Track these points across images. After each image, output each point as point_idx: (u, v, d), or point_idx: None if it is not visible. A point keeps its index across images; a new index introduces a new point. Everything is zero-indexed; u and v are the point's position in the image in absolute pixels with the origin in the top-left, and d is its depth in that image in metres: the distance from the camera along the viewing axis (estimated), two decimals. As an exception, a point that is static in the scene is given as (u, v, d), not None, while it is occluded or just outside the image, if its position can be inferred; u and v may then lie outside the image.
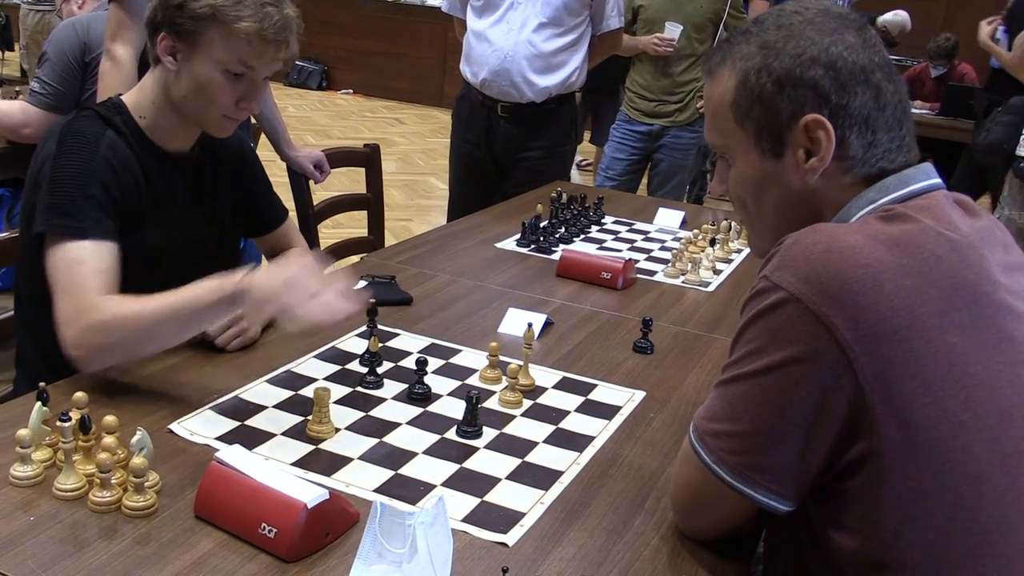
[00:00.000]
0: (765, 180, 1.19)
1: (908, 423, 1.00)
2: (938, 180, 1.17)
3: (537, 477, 1.35)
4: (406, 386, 1.58)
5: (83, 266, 1.50)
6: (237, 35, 1.58)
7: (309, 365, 1.64)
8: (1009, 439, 1.03)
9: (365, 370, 1.61)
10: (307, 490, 1.13)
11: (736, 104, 1.18)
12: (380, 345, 1.65)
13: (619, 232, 2.74)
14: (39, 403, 1.27)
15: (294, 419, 1.44)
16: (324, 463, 1.34)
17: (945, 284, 1.03)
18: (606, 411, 1.58)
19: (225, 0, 1.58)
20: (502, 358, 1.66)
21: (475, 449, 1.41)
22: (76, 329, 1.46)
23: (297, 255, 1.64)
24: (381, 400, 1.54)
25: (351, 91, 10.77)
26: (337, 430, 1.42)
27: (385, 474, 1.32)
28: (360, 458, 1.36)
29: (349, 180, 6.03)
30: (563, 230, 2.61)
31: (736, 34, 1.21)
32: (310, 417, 1.43)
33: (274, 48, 1.62)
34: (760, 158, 1.18)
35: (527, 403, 1.58)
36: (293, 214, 2.76)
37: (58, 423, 1.20)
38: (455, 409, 1.51)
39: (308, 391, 1.54)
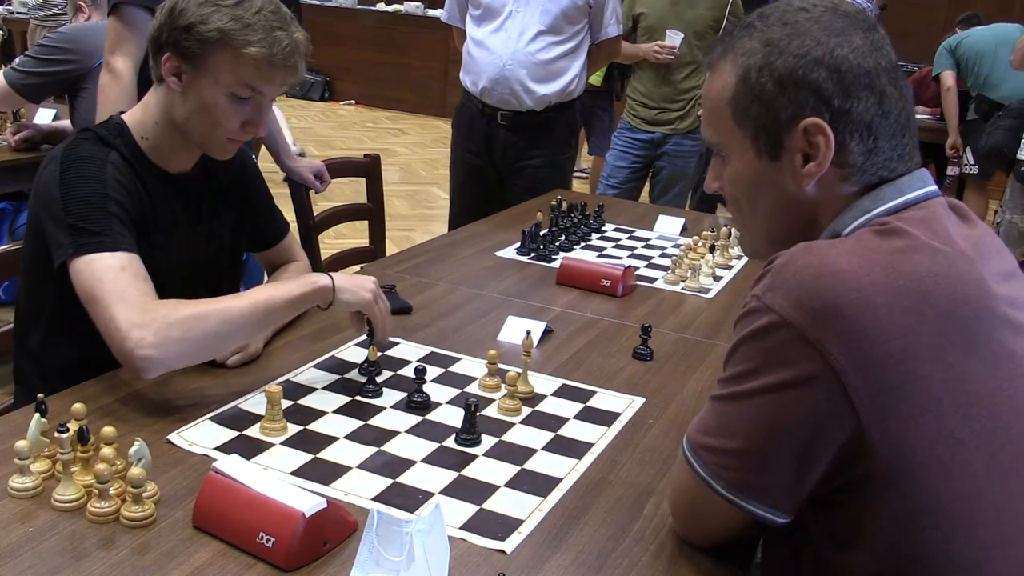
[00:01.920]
0: (760, 182, 1.17)
1: (905, 443, 0.99)
2: (934, 187, 1.14)
3: (536, 484, 1.35)
4: (405, 395, 1.58)
5: (126, 272, 1.48)
6: (245, 60, 1.55)
7: (308, 375, 1.64)
8: (1006, 455, 1.02)
9: (364, 379, 1.61)
10: (305, 499, 1.13)
11: (735, 101, 1.15)
12: (379, 354, 1.65)
13: (619, 239, 2.74)
14: (37, 415, 1.27)
15: (293, 428, 1.45)
16: (322, 472, 1.34)
17: (944, 303, 1.00)
18: (605, 418, 1.58)
19: (234, 24, 1.54)
20: (501, 366, 1.66)
21: (474, 457, 1.41)
22: (150, 330, 1.41)
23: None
24: (380, 409, 1.54)
25: (353, 102, 10.80)
26: (336, 438, 1.43)
27: (384, 482, 1.32)
28: (359, 467, 1.36)
29: (352, 191, 6.04)
30: (563, 238, 2.62)
31: (740, 27, 1.17)
32: (279, 423, 1.44)
33: (282, 73, 1.60)
34: (756, 159, 1.15)
35: (526, 410, 1.58)
36: (293, 225, 2.77)
37: (56, 434, 1.20)
38: (454, 417, 1.51)
39: (307, 400, 1.54)
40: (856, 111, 1.09)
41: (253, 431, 1.43)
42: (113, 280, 1.46)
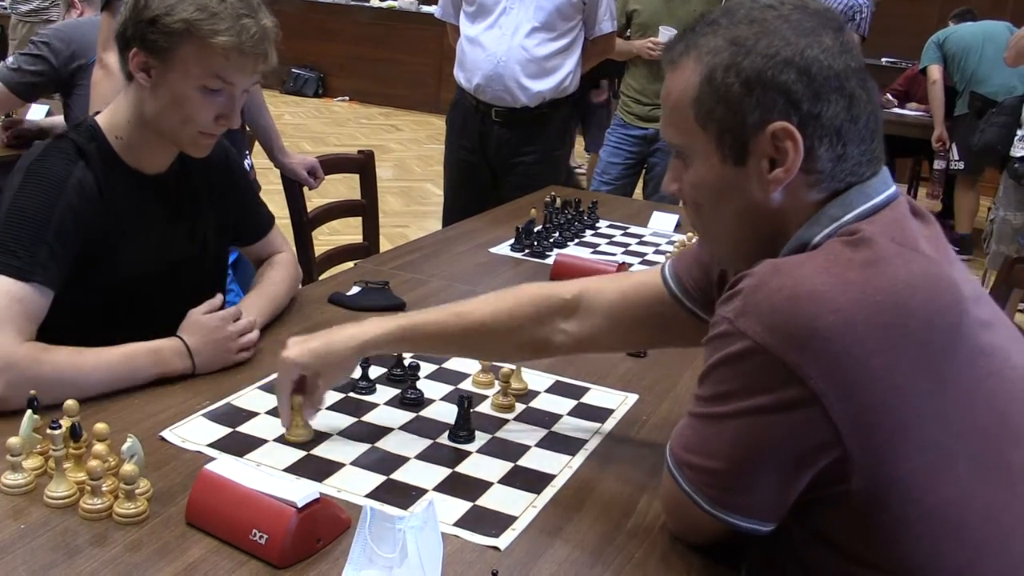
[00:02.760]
0: (725, 188, 1.10)
1: (888, 459, 0.97)
2: (895, 187, 1.11)
3: (529, 480, 1.35)
4: (398, 391, 1.58)
5: (19, 305, 1.44)
6: (214, 50, 1.51)
7: (302, 371, 1.64)
8: (988, 454, 1.01)
9: (358, 375, 1.61)
10: (297, 490, 1.14)
11: (699, 102, 1.08)
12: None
13: (613, 236, 2.74)
14: (30, 411, 1.27)
15: (286, 425, 1.44)
16: (316, 469, 1.34)
17: (923, 313, 0.98)
18: (599, 414, 1.58)
19: (200, 14, 1.50)
20: (494, 363, 1.66)
21: (467, 453, 1.41)
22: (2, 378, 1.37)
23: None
24: (373, 405, 1.54)
25: (347, 98, 10.78)
26: (330, 434, 1.43)
27: (377, 479, 1.32)
28: (352, 463, 1.36)
29: (346, 187, 6.02)
30: (557, 234, 2.61)
31: (703, 23, 1.10)
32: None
33: (252, 61, 1.57)
34: (721, 163, 1.09)
35: (520, 407, 1.58)
36: (287, 221, 2.77)
37: (49, 431, 1.20)
38: (447, 414, 1.51)
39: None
40: (826, 115, 1.04)
41: (246, 427, 1.43)
42: (3, 309, 1.43)
